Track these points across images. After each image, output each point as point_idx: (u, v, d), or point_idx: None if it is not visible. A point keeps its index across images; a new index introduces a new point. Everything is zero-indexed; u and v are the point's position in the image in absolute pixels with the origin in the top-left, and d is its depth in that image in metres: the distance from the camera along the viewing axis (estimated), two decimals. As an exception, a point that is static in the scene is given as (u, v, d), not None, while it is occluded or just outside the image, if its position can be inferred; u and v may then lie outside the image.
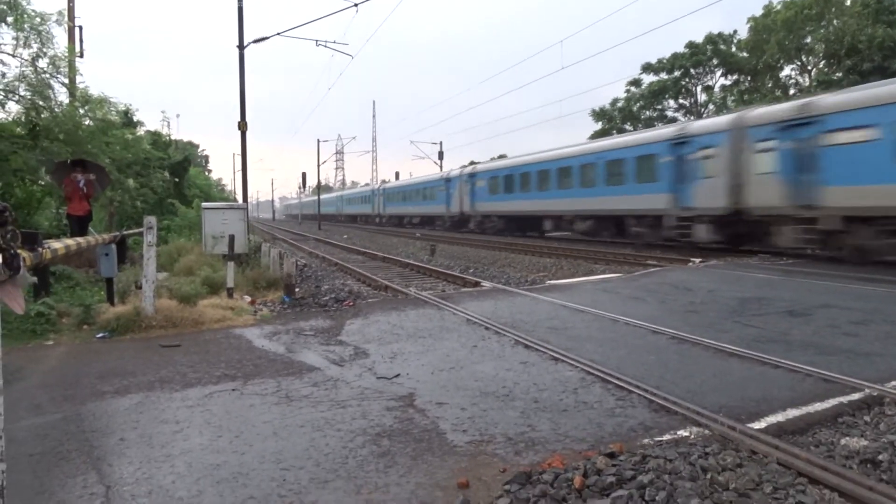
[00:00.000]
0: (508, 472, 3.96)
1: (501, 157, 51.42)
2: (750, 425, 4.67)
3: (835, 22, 33.07)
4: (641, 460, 4.04)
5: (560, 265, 19.14)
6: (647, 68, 45.34)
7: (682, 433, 4.60)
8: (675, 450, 4.23)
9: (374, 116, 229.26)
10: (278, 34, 23.40)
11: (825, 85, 31.87)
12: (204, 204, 18.20)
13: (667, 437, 4.54)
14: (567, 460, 4.11)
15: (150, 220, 9.36)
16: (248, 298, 11.43)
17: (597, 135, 46.39)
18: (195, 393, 5.84)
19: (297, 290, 12.46)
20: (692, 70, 43.76)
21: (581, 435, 4.62)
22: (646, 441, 4.47)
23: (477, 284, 13.41)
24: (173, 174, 26.86)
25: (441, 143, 69.83)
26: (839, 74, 32.36)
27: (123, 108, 22.62)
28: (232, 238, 12.06)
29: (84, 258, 13.99)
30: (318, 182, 76.29)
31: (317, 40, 24.32)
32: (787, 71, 39.44)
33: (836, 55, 32.64)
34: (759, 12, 37.92)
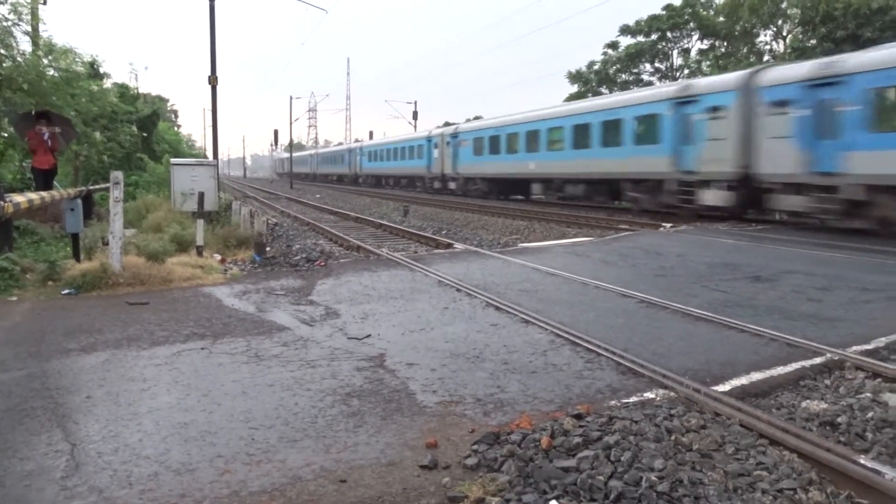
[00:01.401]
0: (477, 432, 4.00)
1: (477, 118, 48.28)
2: (714, 388, 4.76)
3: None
4: (608, 421, 4.10)
5: (533, 228, 19.18)
6: (625, 30, 45.10)
7: (649, 395, 4.68)
8: (641, 411, 4.30)
9: (348, 74, 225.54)
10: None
11: (799, 52, 32.01)
12: (173, 160, 17.89)
13: (633, 399, 4.62)
14: (535, 421, 4.16)
15: (117, 175, 9.15)
16: (218, 257, 11.30)
17: (573, 97, 46.18)
18: (163, 351, 5.78)
19: (267, 249, 12.34)
20: (669, 33, 43.66)
21: (549, 396, 4.67)
22: (613, 403, 4.53)
23: (449, 246, 13.40)
24: (142, 129, 26.27)
25: (416, 102, 68.95)
26: (813, 41, 32.49)
27: (90, 60, 22.00)
28: (201, 195, 11.88)
29: (49, 213, 13.70)
30: (291, 140, 75.24)
31: (290, -6, 23.73)
32: (763, 37, 39.56)
33: (812, 22, 32.73)
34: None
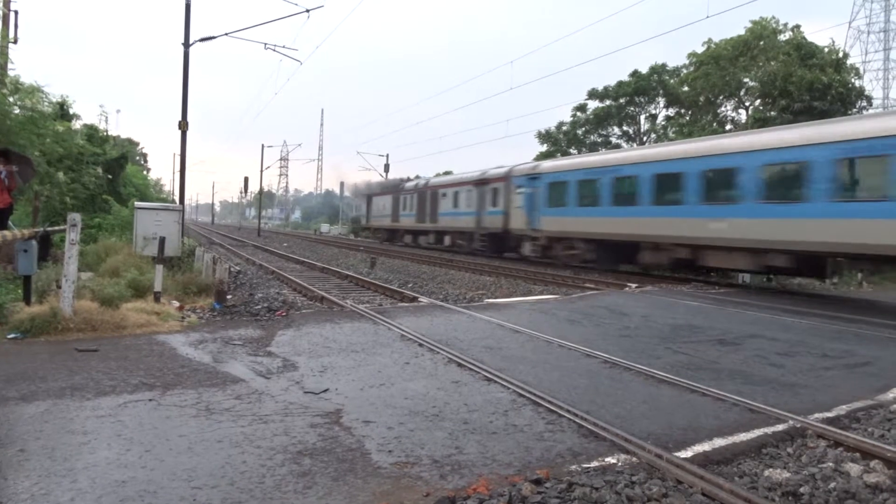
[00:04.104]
0: (432, 496, 3.84)
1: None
2: (677, 454, 4.66)
3: (771, 63, 34.35)
4: (567, 488, 3.97)
5: (499, 284, 19.16)
6: (594, 94, 46.22)
7: (610, 460, 4.56)
8: (602, 477, 4.18)
9: (321, 124, 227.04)
10: (226, 34, 22.94)
11: (761, 122, 33.03)
12: (137, 203, 17.62)
13: (594, 463, 4.49)
14: (493, 486, 4.01)
15: (74, 216, 8.93)
16: (177, 304, 11.02)
17: (542, 156, 46.90)
18: (108, 402, 5.52)
19: (229, 297, 12.09)
20: (637, 98, 44.84)
21: (509, 459, 4.53)
22: (573, 467, 4.40)
23: (414, 300, 13.27)
24: (108, 171, 25.91)
25: (388, 155, 69.43)
26: (773, 113, 33.60)
27: (59, 100, 21.77)
28: (162, 240, 11.64)
29: (3, 253, 13.29)
30: (261, 188, 75.07)
31: (265, 43, 23.94)
32: (726, 107, 40.78)
33: (770, 95, 33.92)
34: (700, 48, 39.31)
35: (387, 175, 64.46)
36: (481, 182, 31.75)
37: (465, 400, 5.94)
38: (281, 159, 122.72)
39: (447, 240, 35.98)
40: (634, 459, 4.58)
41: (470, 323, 10.27)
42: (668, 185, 19.29)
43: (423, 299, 13.20)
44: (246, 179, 78.84)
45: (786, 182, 15.93)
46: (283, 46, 24.12)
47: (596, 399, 6.11)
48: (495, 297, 15.22)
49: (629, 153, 22.52)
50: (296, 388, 6.20)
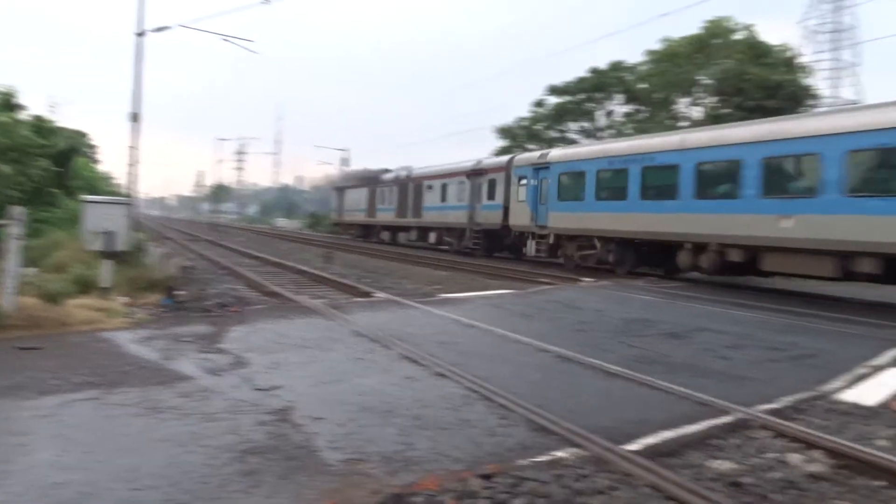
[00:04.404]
0: (380, 493, 3.81)
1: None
2: (626, 447, 4.71)
3: (726, 61, 35.06)
4: (516, 482, 3.98)
5: (455, 278, 19.16)
6: (555, 90, 46.53)
7: (560, 454, 4.58)
8: (551, 472, 4.21)
9: (279, 118, 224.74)
10: (181, 25, 22.44)
11: (715, 119, 33.70)
12: (85, 197, 17.14)
13: (544, 457, 4.51)
14: (442, 481, 3.99)
15: (16, 210, 8.64)
16: (125, 300, 10.75)
17: (501, 151, 47.02)
18: (50, 402, 5.35)
19: (180, 292, 11.85)
20: (595, 94, 45.28)
21: (459, 455, 4.52)
22: (523, 462, 4.41)
23: (369, 295, 13.19)
24: (57, 163, 25.18)
25: (348, 150, 68.81)
26: (728, 110, 34.30)
27: (4, 91, 21.07)
28: (110, 234, 11.36)
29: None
30: (215, 182, 73.82)
31: (222, 35, 23.47)
32: (681, 104, 41.47)
33: (725, 92, 34.64)
34: (657, 46, 39.94)
35: (346, 170, 63.94)
36: (475, 172, 28.19)
37: (418, 395, 5.92)
38: (237, 153, 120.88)
39: (432, 237, 32.13)
40: (584, 453, 4.61)
41: (425, 318, 10.26)
42: (718, 176, 16.53)
43: (379, 294, 13.13)
44: (200, 173, 77.38)
45: (883, 172, 13.19)
46: (240, 38, 23.71)
47: (548, 393, 6.15)
48: (451, 292, 15.21)
49: (666, 139, 18.64)
50: (246, 384, 6.11)
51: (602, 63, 44.44)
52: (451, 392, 6.06)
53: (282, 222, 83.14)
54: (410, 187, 34.39)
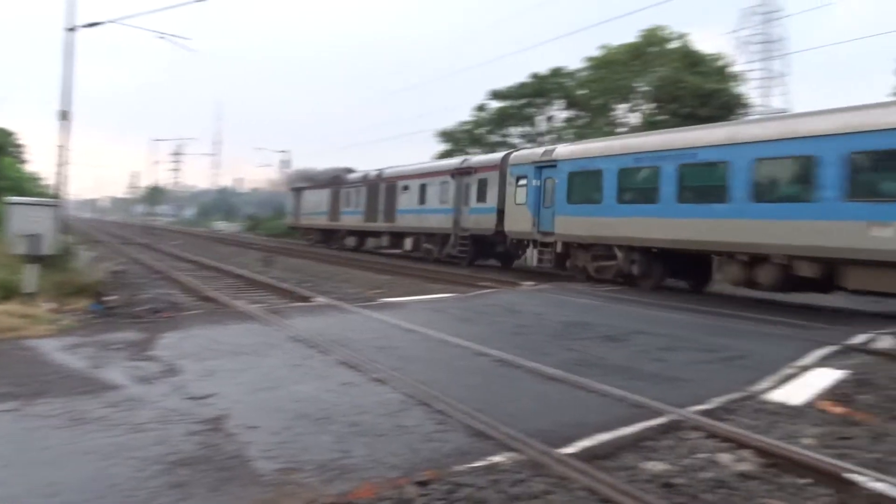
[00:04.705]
0: (314, 503, 3.73)
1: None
2: (562, 450, 4.75)
3: (661, 69, 35.96)
4: (453, 489, 3.96)
5: (398, 283, 19.09)
6: (496, 95, 46.91)
7: (497, 459, 4.58)
8: (488, 477, 4.20)
9: (218, 119, 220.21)
10: (114, 21, 21.74)
11: (653, 125, 34.53)
12: (9, 199, 16.44)
13: (482, 462, 4.50)
14: (377, 489, 3.95)
15: (-68, 212, 8.21)
16: (51, 306, 10.34)
17: (444, 155, 47.12)
18: (-35, 414, 5.09)
19: (109, 298, 11.47)
20: (536, 99, 45.83)
21: (396, 461, 4.48)
22: (460, 468, 4.39)
23: (308, 299, 13.01)
24: (-21, 163, 24.14)
25: (289, 151, 67.76)
26: (665, 116, 35.19)
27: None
28: (36, 237, 10.92)
29: None
30: (149, 184, 71.86)
31: (157, 32, 22.83)
32: (619, 110, 42.34)
33: (661, 99, 35.55)
34: (597, 52, 40.75)
35: (288, 172, 62.91)
36: (462, 171, 25.22)
37: (355, 401, 5.85)
38: (173, 153, 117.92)
39: (408, 243, 28.87)
40: (521, 457, 4.62)
41: (364, 322, 10.17)
42: (784, 175, 14.09)
43: (319, 299, 12.96)
44: (134, 174, 75.21)
45: None
46: (176, 36, 23.11)
47: (487, 397, 6.16)
48: (393, 297, 15.15)
49: (711, 132, 16.01)
50: (177, 393, 5.93)
51: (543, 69, 45.04)
52: (390, 398, 6.01)
53: (221, 225, 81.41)
54: (382, 188, 31.12)
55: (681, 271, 17.23)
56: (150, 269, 20.47)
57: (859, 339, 9.77)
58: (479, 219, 23.82)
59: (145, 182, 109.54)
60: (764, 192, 14.03)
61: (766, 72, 45.25)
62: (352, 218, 34.21)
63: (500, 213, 22.31)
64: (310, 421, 5.26)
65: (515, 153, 22.98)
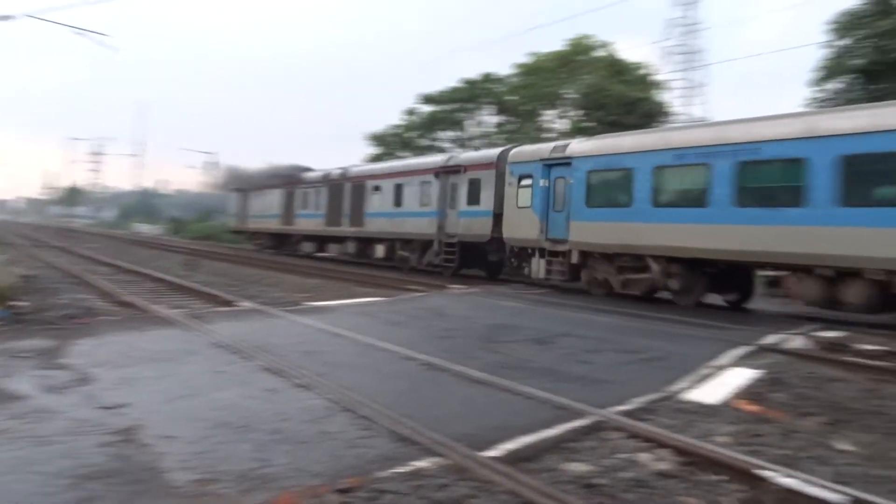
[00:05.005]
0: (231, 514, 3.62)
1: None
2: (486, 453, 4.75)
3: (588, 77, 36.78)
4: (375, 495, 3.91)
5: (327, 287, 18.86)
6: (427, 99, 47.00)
7: (421, 464, 4.55)
8: (411, 483, 4.17)
9: (140, 118, 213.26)
10: (28, 15, 20.78)
11: (578, 131, 35.26)
12: None
13: (405, 468, 4.46)
14: (298, 499, 3.86)
15: None
16: (-46, 312, 9.76)
17: (373, 159, 46.86)
18: None
19: (19, 303, 10.89)
20: (466, 104, 46.14)
21: (319, 469, 4.40)
22: (384, 474, 4.34)
23: (232, 304, 12.70)
24: None
25: (216, 153, 66.03)
26: (592, 123, 36.00)
27: None
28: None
29: None
30: (68, 184, 68.93)
31: (75, 28, 21.93)
32: (547, 116, 43.06)
33: (589, 107, 36.38)
34: (527, 59, 41.40)
35: (227, 171, 61.04)
36: (449, 170, 22.51)
37: (278, 408, 5.72)
38: (92, 153, 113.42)
39: (380, 250, 25.78)
40: (446, 462, 4.61)
41: (290, 327, 9.99)
42: (879, 174, 11.97)
43: (244, 303, 12.67)
44: (50, 174, 71.98)
45: None
46: (95, 32, 22.26)
47: (413, 402, 6.13)
48: (321, 301, 14.94)
49: (782, 124, 13.33)
50: (89, 403, 5.67)
51: (473, 74, 45.42)
52: (313, 404, 5.91)
53: (144, 228, 78.78)
54: (347, 189, 28.03)
55: (723, 285, 15.26)
56: (64, 273, 19.59)
57: (772, 339, 10.18)
58: (471, 223, 21.07)
59: (63, 182, 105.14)
60: (856, 195, 11.96)
61: (687, 81, 46.75)
62: (310, 221, 30.92)
63: (497, 217, 19.89)
64: (230, 429, 5.12)
65: (517, 149, 19.98)
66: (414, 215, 23.79)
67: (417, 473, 4.36)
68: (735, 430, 5.84)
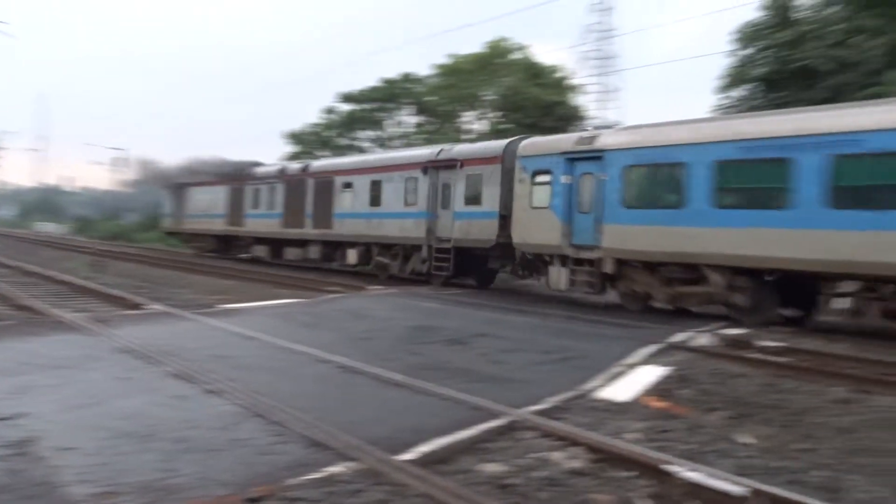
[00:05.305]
0: (132, 529, 3.46)
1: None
2: (401, 457, 4.73)
3: (505, 79, 37.27)
4: (286, 504, 3.82)
5: (242, 288, 18.41)
6: (347, 98, 46.57)
7: (335, 469, 4.48)
8: (324, 489, 4.10)
9: (42, 112, 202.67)
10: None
11: (500, 133, 35.70)
12: None
13: (318, 474, 4.38)
14: (204, 509, 3.73)
15: None
16: None
17: (292, 157, 46.07)
18: None
19: None
20: (386, 104, 45.97)
21: (227, 478, 4.26)
22: (296, 481, 4.25)
23: (141, 307, 12.21)
24: None
25: (125, 149, 63.23)
26: (511, 125, 36.50)
27: None
28: None
29: None
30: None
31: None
32: (467, 118, 43.40)
33: (507, 108, 36.88)
34: (446, 60, 41.59)
35: (125, 170, 58.81)
36: (441, 165, 19.63)
37: (186, 416, 5.52)
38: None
39: (352, 256, 22.53)
40: (360, 466, 4.55)
41: (202, 331, 9.70)
42: None
43: (153, 306, 12.20)
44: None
45: None
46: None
47: (328, 406, 6.05)
48: (236, 303, 14.56)
49: (887, 109, 11.38)
50: (-22, 415, 5.32)
51: (392, 74, 45.36)
52: (224, 410, 5.73)
53: (49, 227, 74.97)
54: (310, 186, 24.81)
55: (790, 300, 13.19)
56: (-43, 275, 18.42)
57: (680, 337, 10.55)
58: (470, 226, 18.35)
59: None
60: None
61: (602, 86, 48.01)
62: (263, 222, 27.42)
63: (504, 218, 17.35)
64: (133, 439, 4.90)
65: (529, 141, 17.33)
66: (396, 216, 20.84)
67: (331, 479, 4.29)
68: (644, 426, 6.03)
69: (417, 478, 4.30)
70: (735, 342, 10.52)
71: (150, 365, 7.30)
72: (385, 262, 21.40)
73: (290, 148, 49.18)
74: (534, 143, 16.98)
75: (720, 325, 12.06)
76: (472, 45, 46.66)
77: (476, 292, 17.34)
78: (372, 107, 46.12)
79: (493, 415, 5.91)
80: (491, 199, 17.80)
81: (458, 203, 18.80)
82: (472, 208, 18.36)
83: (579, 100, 39.95)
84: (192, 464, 4.46)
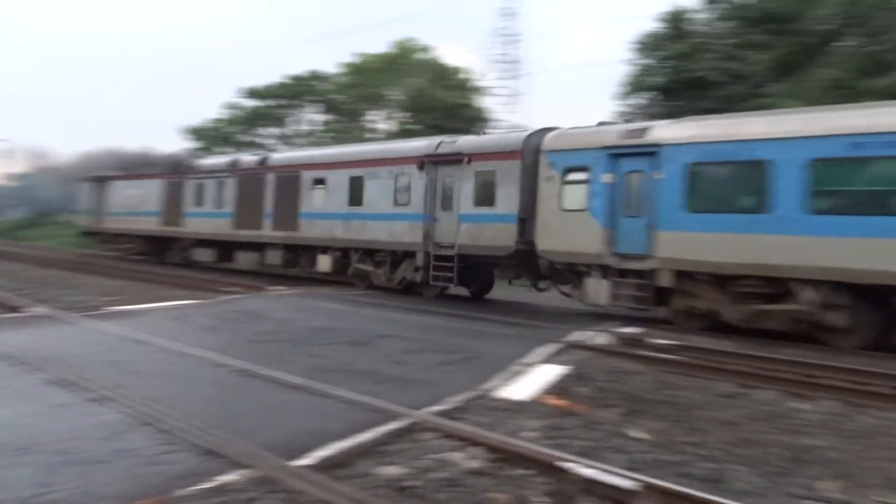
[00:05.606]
0: (2, 550, 3.24)
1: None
2: (298, 462, 4.64)
3: (412, 80, 37.34)
4: (173, 516, 3.67)
5: (135, 289, 17.58)
6: (252, 93, 45.36)
7: (227, 478, 4.34)
8: (215, 499, 3.97)
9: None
10: None
11: (407, 133, 35.70)
12: None
13: (209, 484, 4.24)
14: (84, 526, 3.53)
15: None
16: None
17: (200, 152, 44.41)
18: None
19: None
20: (292, 101, 45.07)
21: (111, 491, 4.06)
22: (185, 491, 4.10)
23: (20, 309, 11.46)
24: None
25: (10, 140, 58.98)
26: (419, 126, 36.56)
27: None
28: None
29: None
30: None
31: None
32: (375, 117, 43.17)
33: (414, 109, 36.96)
34: (354, 59, 41.23)
35: (10, 161, 55.07)
36: (441, 160, 16.93)
37: (68, 426, 5.22)
38: None
39: (325, 263, 19.46)
40: (255, 473, 4.43)
41: (88, 335, 9.20)
42: None
43: (35, 309, 11.49)
44: None
45: None
46: None
47: (222, 412, 5.87)
48: (128, 304, 13.89)
49: None
50: None
51: (298, 70, 44.59)
52: (109, 419, 5.45)
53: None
54: (270, 181, 21.48)
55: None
56: None
57: (579, 336, 10.84)
58: (480, 231, 15.73)
59: None
60: None
61: (509, 89, 48.85)
62: (208, 222, 23.69)
63: (522, 222, 15.06)
64: (7, 452, 4.59)
65: (557, 133, 14.95)
66: (383, 218, 17.98)
67: (223, 488, 4.16)
68: (542, 424, 6.15)
69: (314, 483, 4.23)
70: (630, 341, 10.90)
71: (28, 372, 6.86)
72: (367, 270, 18.57)
73: (189, 144, 47.42)
74: (564, 136, 14.71)
75: (616, 323, 12.47)
76: (382, 44, 46.43)
77: (377, 293, 17.04)
78: (277, 103, 45.16)
79: (393, 416, 5.88)
80: (507, 200, 15.36)
81: (465, 204, 16.21)
82: (484, 210, 15.82)
83: (485, 102, 40.57)
84: (72, 477, 4.22)
